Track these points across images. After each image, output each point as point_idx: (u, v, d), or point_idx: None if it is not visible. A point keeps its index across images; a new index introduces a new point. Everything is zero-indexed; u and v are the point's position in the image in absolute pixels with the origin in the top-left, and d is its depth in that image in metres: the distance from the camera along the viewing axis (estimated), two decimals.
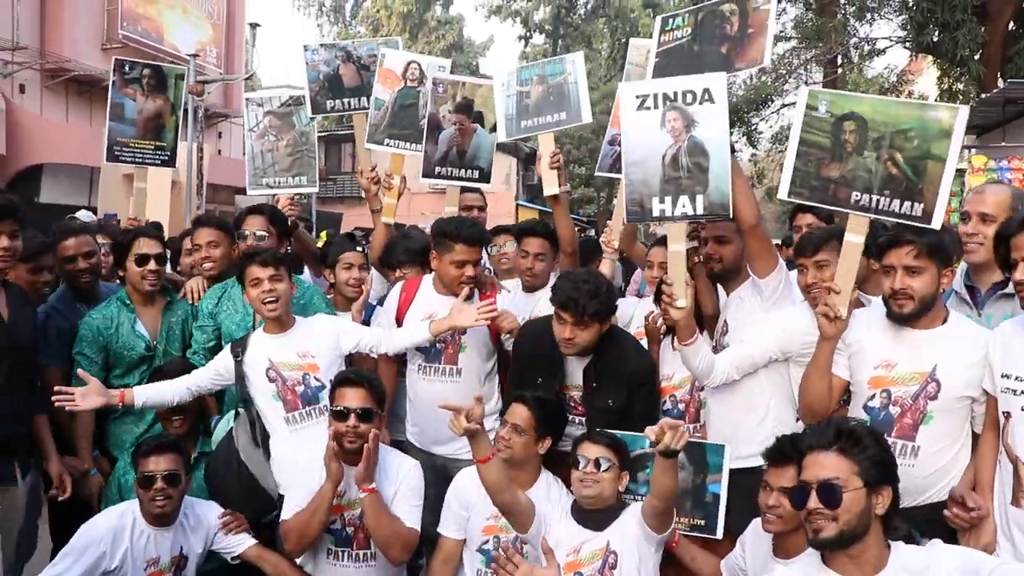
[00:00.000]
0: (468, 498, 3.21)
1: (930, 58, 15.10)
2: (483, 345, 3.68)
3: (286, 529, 3.15)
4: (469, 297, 3.55)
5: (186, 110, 13.62)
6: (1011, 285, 2.62)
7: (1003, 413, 2.53)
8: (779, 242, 5.64)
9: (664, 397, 3.49)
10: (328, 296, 4.11)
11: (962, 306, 3.10)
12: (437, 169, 4.23)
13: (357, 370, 3.35)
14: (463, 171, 4.23)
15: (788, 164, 2.92)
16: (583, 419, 3.37)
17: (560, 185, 3.91)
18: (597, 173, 4.66)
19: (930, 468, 2.71)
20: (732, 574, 2.97)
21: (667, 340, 3.51)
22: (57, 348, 3.54)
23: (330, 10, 41.55)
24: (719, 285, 3.46)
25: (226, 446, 3.45)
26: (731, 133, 3.21)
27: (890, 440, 2.70)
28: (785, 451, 2.61)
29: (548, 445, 3.16)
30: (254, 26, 21.08)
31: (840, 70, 16.09)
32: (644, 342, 3.60)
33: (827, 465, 2.19)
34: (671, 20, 3.58)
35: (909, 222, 2.74)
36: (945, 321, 2.77)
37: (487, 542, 3.21)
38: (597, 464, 2.93)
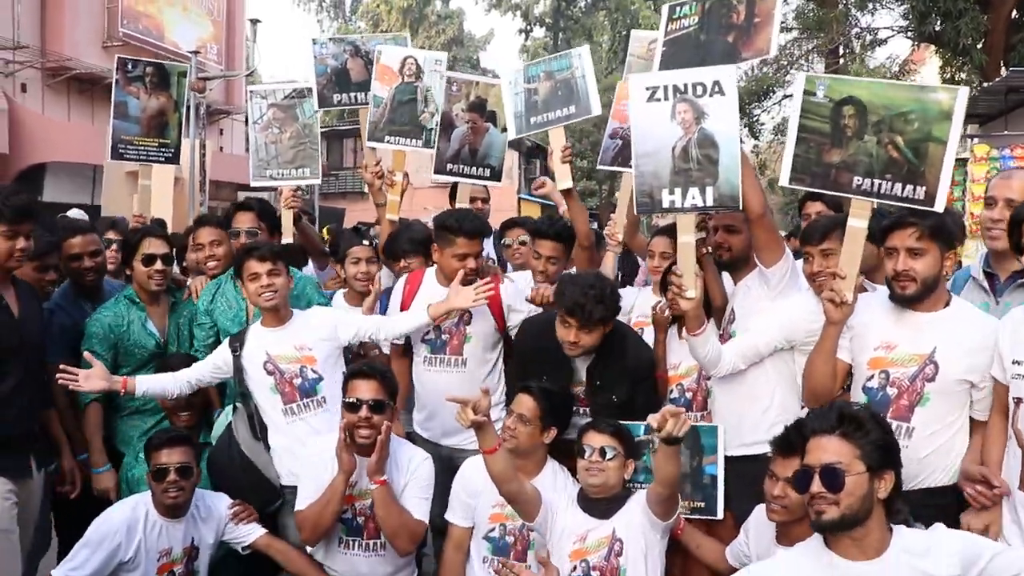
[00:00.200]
0: (475, 486, 3.24)
1: (932, 48, 15.08)
2: (488, 335, 3.71)
3: (300, 519, 3.20)
4: (470, 283, 3.57)
5: (188, 107, 13.65)
6: None
7: (1013, 399, 2.53)
8: (785, 233, 5.64)
9: (671, 386, 3.50)
10: (343, 290, 4.13)
11: (979, 292, 3.11)
12: (449, 166, 4.26)
13: (370, 363, 3.38)
14: (474, 169, 4.26)
15: (788, 150, 2.92)
16: (587, 409, 3.40)
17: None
18: (599, 166, 4.68)
19: (924, 451, 2.72)
20: (737, 560, 3.00)
21: (673, 329, 3.52)
22: (60, 345, 3.55)
23: (330, 5, 41.50)
24: (727, 274, 3.47)
25: (227, 439, 3.49)
26: None
27: (887, 420, 2.74)
28: (792, 441, 2.61)
29: (554, 435, 3.19)
30: (254, 22, 21.10)
31: (842, 60, 16.08)
32: (649, 331, 3.61)
33: (830, 449, 2.22)
34: (678, 8, 3.57)
35: (912, 205, 2.74)
36: (947, 304, 2.78)
37: (493, 530, 3.24)
38: (602, 453, 2.95)
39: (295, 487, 3.33)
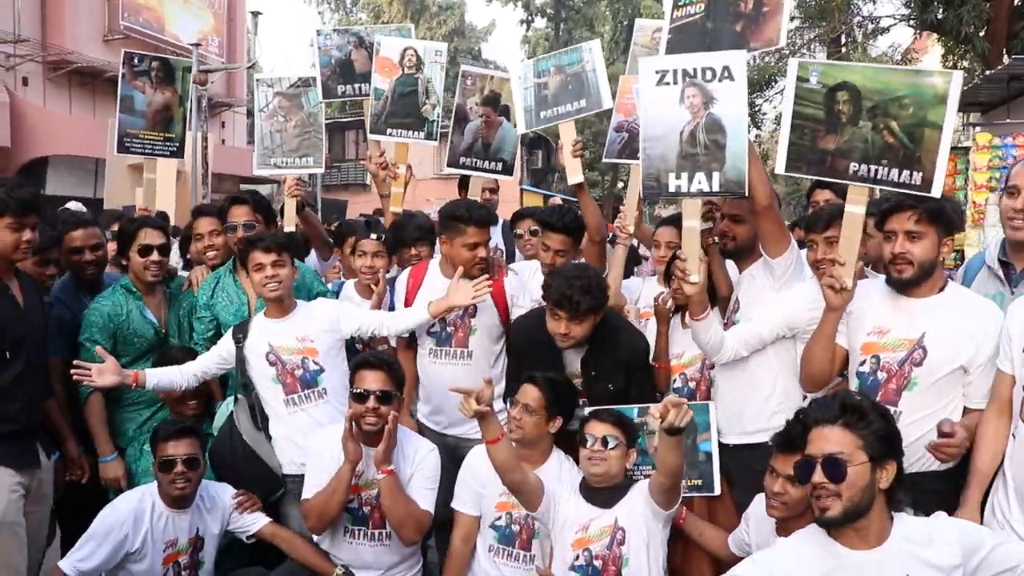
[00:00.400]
0: (481, 475, 3.26)
1: (934, 36, 15.02)
2: (493, 327, 3.72)
3: (307, 508, 3.23)
4: (484, 274, 3.59)
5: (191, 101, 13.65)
6: None
7: None
8: (789, 223, 5.63)
9: (674, 375, 3.52)
10: (354, 280, 4.14)
11: (994, 281, 3.09)
12: (462, 159, 4.28)
13: (377, 353, 3.40)
14: (487, 163, 4.28)
15: (783, 138, 2.91)
16: (585, 400, 3.42)
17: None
18: (605, 159, 4.68)
19: (913, 435, 2.69)
20: (739, 548, 3.02)
21: (676, 319, 3.54)
22: (59, 338, 3.55)
23: None
24: (732, 263, 3.48)
25: (228, 430, 3.51)
26: None
27: None
28: (793, 438, 2.59)
29: (559, 425, 3.20)
30: (255, 14, 21.07)
31: (844, 49, 16.01)
32: (652, 322, 3.63)
33: (832, 439, 2.21)
34: None
35: (909, 191, 2.73)
36: (942, 290, 2.78)
37: (500, 518, 3.26)
38: (604, 442, 2.96)
39: (296, 476, 3.36)
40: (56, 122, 15.69)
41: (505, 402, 3.60)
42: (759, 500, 2.88)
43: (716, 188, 2.98)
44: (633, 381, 3.36)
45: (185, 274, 4.23)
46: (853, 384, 2.88)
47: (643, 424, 3.26)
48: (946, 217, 2.74)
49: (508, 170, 4.32)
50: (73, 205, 7.38)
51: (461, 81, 4.27)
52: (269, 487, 3.49)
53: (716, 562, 3.18)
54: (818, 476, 2.19)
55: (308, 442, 3.38)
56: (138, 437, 3.64)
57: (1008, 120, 9.86)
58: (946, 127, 2.66)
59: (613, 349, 3.36)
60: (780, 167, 2.93)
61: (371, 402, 3.15)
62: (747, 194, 2.99)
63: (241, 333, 3.52)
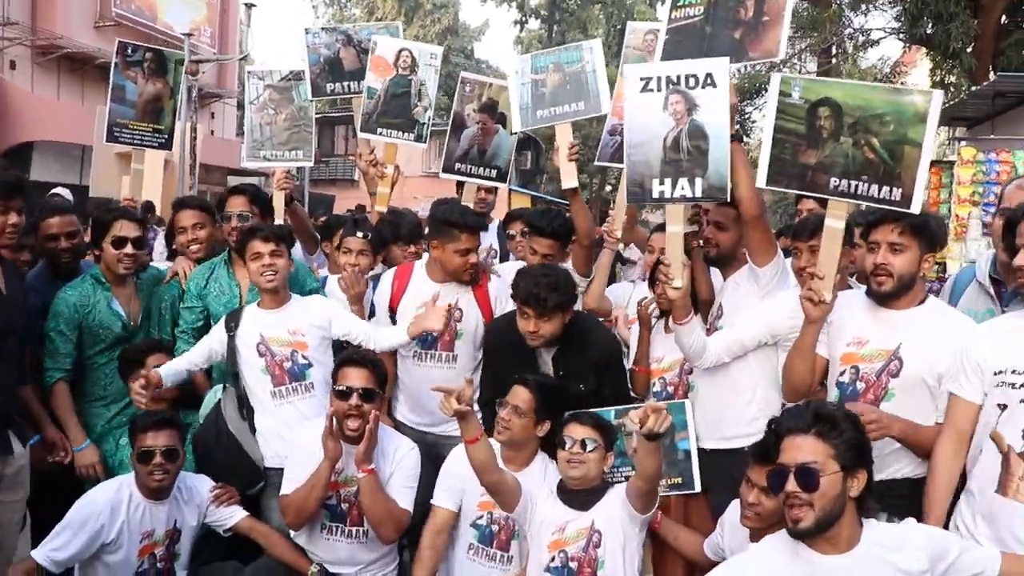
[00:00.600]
0: (463, 473, 3.26)
1: (923, 50, 15.16)
2: (478, 331, 3.74)
3: (285, 504, 3.23)
4: (474, 279, 3.63)
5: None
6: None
7: (998, 405, 2.50)
8: (775, 231, 5.66)
9: (654, 379, 3.56)
10: (339, 276, 4.14)
11: (984, 298, 3.12)
12: (457, 165, 4.31)
13: (361, 351, 3.41)
14: (482, 169, 4.31)
15: (765, 152, 2.94)
16: None
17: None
18: (597, 162, 4.70)
19: (890, 446, 2.73)
20: (714, 553, 3.04)
21: (659, 324, 3.57)
22: (31, 326, 3.48)
23: None
24: (717, 269, 3.51)
25: (214, 419, 3.51)
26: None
27: None
28: (770, 449, 2.58)
29: (547, 429, 3.20)
30: (249, 6, 20.95)
31: (834, 60, 16.13)
32: (636, 327, 3.65)
33: (804, 448, 2.24)
34: None
35: (889, 207, 2.75)
36: (922, 303, 2.81)
37: (481, 517, 3.27)
38: (583, 445, 2.98)
39: (279, 470, 3.35)
40: (43, 107, 15.54)
41: (482, 405, 3.62)
42: (734, 507, 2.90)
43: (699, 194, 3.02)
44: (606, 382, 3.38)
45: (168, 264, 4.21)
46: (832, 394, 2.90)
47: (621, 426, 3.28)
48: (929, 232, 2.77)
49: (503, 177, 4.35)
50: (61, 192, 7.33)
51: (460, 88, 4.31)
52: (250, 479, 3.49)
53: (691, 566, 3.20)
54: (791, 485, 2.22)
55: (292, 435, 3.38)
56: (111, 432, 3.61)
57: (993, 136, 9.95)
58: (926, 145, 2.70)
59: (583, 350, 3.39)
60: (761, 181, 2.96)
61: (354, 399, 3.15)
62: (729, 200, 3.03)
63: (233, 322, 3.53)
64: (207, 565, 3.44)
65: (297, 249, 4.88)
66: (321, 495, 3.18)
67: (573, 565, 2.97)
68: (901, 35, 14.49)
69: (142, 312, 3.80)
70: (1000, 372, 2.52)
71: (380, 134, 4.35)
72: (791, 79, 2.93)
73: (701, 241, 3.42)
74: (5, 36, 15.42)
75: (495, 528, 3.25)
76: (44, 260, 3.86)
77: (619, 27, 32.46)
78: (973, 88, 10.76)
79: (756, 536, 2.75)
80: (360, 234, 3.96)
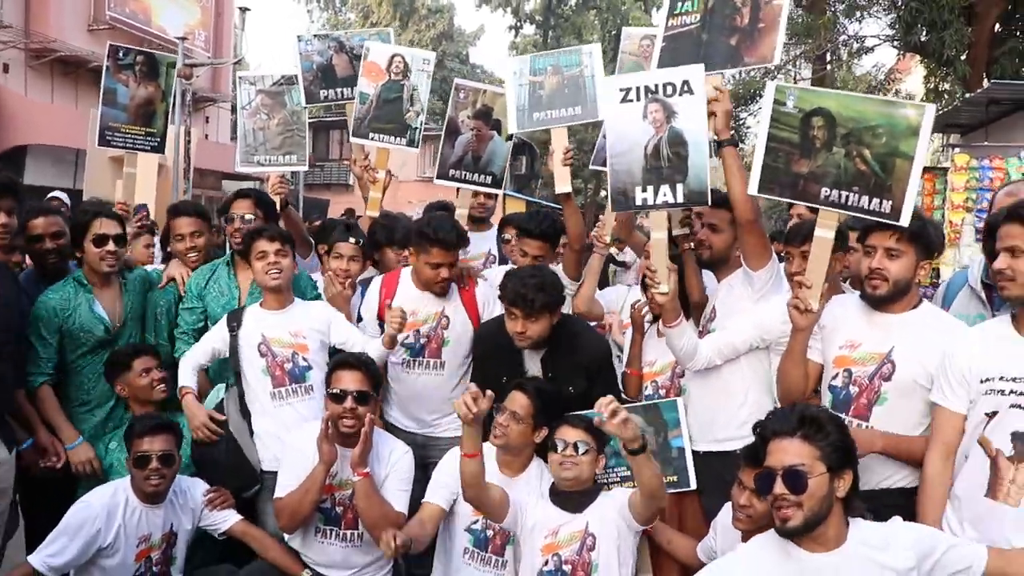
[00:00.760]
0: (457, 475, 3.24)
1: (918, 57, 15.22)
2: (466, 337, 3.75)
3: (279, 507, 3.23)
4: (445, 292, 3.65)
5: (174, 95, 13.58)
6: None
7: (986, 414, 2.51)
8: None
9: (646, 383, 3.57)
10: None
11: (976, 302, 3.14)
12: (451, 172, 4.32)
13: (355, 354, 3.41)
14: (476, 175, 4.32)
15: (757, 159, 2.96)
16: None
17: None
18: (591, 166, 4.71)
19: (879, 455, 2.74)
20: (707, 556, 3.04)
21: (651, 328, 3.57)
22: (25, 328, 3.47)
23: None
24: (711, 273, 3.52)
25: (215, 418, 3.51)
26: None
27: (847, 419, 2.78)
28: (760, 452, 2.61)
29: (544, 435, 3.18)
30: (243, 10, 20.96)
31: (829, 67, 16.19)
32: (630, 330, 3.65)
33: (791, 451, 2.27)
34: (680, 3, 3.54)
35: (878, 219, 2.77)
36: (916, 308, 2.82)
37: (476, 522, 3.26)
38: (576, 448, 2.98)
39: (276, 473, 3.34)
40: (37, 111, 15.51)
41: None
42: (727, 510, 2.92)
43: (680, 199, 3.09)
44: (597, 384, 3.37)
45: (162, 267, 4.20)
46: (826, 398, 2.91)
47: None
48: (926, 239, 2.78)
49: (498, 183, 4.37)
50: (59, 195, 7.30)
51: (454, 94, 4.33)
52: (246, 481, 3.50)
53: (685, 569, 3.20)
54: (779, 488, 2.24)
55: (288, 438, 3.37)
56: (100, 436, 3.58)
57: (986, 143, 10.01)
58: (917, 158, 2.72)
59: (572, 352, 3.40)
60: (753, 188, 2.98)
61: (348, 402, 3.15)
62: (709, 204, 3.10)
63: (236, 321, 3.55)
64: (202, 568, 3.44)
65: None
66: (315, 499, 3.18)
67: (567, 568, 2.97)
68: (895, 42, 14.54)
69: (134, 314, 3.77)
70: (988, 380, 2.52)
71: (372, 139, 4.35)
72: (786, 88, 2.95)
73: (692, 244, 3.44)
74: None
75: (490, 533, 3.25)
76: (33, 263, 3.84)
77: (614, 33, 32.55)
78: (967, 95, 10.81)
79: (748, 539, 2.76)
80: (352, 240, 3.96)
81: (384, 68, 4.33)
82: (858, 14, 15.11)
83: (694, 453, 3.33)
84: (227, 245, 4.25)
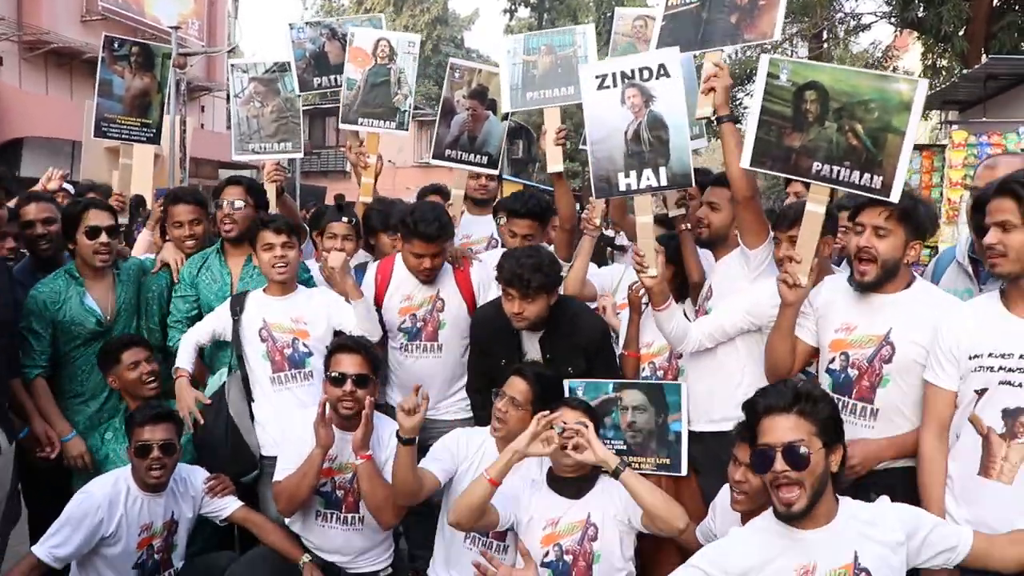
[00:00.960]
0: (459, 455, 3.24)
1: (915, 34, 15.14)
2: (462, 319, 3.76)
3: (277, 490, 3.24)
4: (429, 280, 3.66)
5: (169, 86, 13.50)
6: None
7: (976, 391, 2.51)
8: None
9: (643, 364, 3.57)
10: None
11: (963, 277, 3.13)
12: (447, 152, 4.29)
13: (354, 337, 3.42)
14: (472, 156, 4.29)
15: (750, 133, 2.94)
16: None
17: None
18: (581, 147, 4.68)
19: (892, 431, 2.75)
20: (706, 539, 3.03)
21: (648, 309, 3.57)
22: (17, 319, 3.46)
23: None
24: (709, 252, 3.52)
25: (217, 403, 3.54)
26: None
27: (851, 402, 2.79)
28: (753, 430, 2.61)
29: None
30: None
31: (825, 45, 16.12)
32: (626, 311, 3.66)
33: (788, 427, 2.26)
34: None
35: (868, 194, 2.75)
36: (908, 286, 2.79)
37: None
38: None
39: (275, 458, 3.36)
40: (32, 103, 15.46)
41: (472, 392, 3.62)
42: (725, 491, 2.92)
43: (664, 183, 3.11)
44: (596, 366, 3.40)
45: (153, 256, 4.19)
46: (824, 381, 2.90)
47: (617, 399, 3.31)
48: (916, 219, 2.75)
49: (493, 164, 4.34)
50: (67, 187, 7.28)
51: (449, 74, 4.29)
52: (246, 466, 3.53)
53: (684, 553, 3.20)
54: (780, 464, 2.23)
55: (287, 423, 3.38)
56: (96, 427, 3.59)
57: (984, 119, 9.97)
58: (908, 134, 2.70)
59: (571, 334, 3.40)
60: (745, 162, 2.97)
61: (348, 385, 3.17)
62: (693, 185, 3.12)
63: (238, 305, 3.57)
64: (202, 555, 3.46)
65: None
66: (313, 483, 3.20)
67: (568, 558, 2.96)
68: (892, 19, 14.47)
69: (128, 306, 3.77)
70: (976, 356, 2.51)
71: (361, 124, 4.34)
72: (780, 61, 2.93)
73: (688, 224, 3.43)
74: None
75: None
76: (28, 253, 3.85)
77: (609, 15, 32.24)
78: (965, 71, 10.76)
79: (747, 521, 2.77)
80: (345, 219, 3.95)
81: (370, 53, 4.30)
82: None
83: (691, 433, 3.34)
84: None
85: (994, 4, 13.17)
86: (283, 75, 4.56)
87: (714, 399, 3.27)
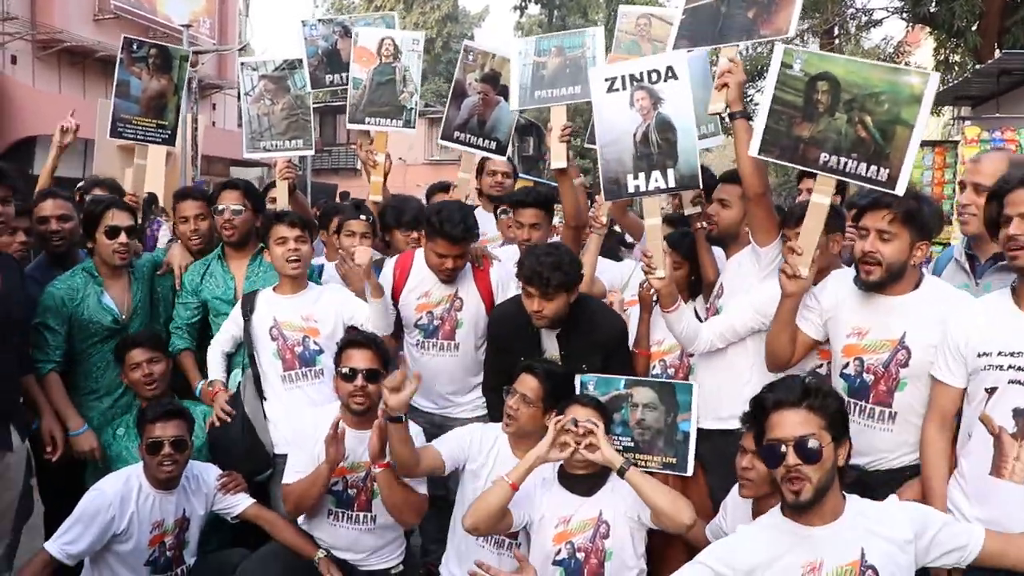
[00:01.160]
0: (474, 451, 3.25)
1: (927, 29, 15.03)
2: (479, 318, 3.76)
3: (286, 492, 3.26)
4: (450, 280, 3.67)
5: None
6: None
7: (986, 390, 2.50)
8: None
9: (654, 362, 3.58)
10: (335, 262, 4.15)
11: (960, 273, 3.12)
12: (456, 134, 4.31)
13: (364, 332, 3.42)
14: (481, 140, 4.31)
15: (760, 121, 2.93)
16: None
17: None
18: (587, 144, 4.69)
19: (913, 434, 2.73)
20: (716, 536, 3.04)
21: (659, 307, 3.57)
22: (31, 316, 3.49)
23: None
24: (720, 250, 3.53)
25: (231, 401, 3.57)
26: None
27: (868, 406, 2.78)
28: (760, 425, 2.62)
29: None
30: None
31: (837, 41, 16.02)
32: (636, 309, 3.66)
33: (798, 422, 2.26)
34: None
35: (874, 186, 2.74)
36: (917, 287, 2.77)
37: None
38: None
39: (287, 456, 3.37)
40: (45, 101, 15.55)
41: (488, 391, 3.62)
42: (735, 490, 2.92)
43: (672, 184, 3.14)
44: (612, 362, 3.40)
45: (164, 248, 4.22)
46: (839, 386, 2.87)
47: (628, 396, 3.32)
48: (921, 220, 2.72)
49: (501, 150, 4.35)
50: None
51: (463, 56, 4.32)
52: (260, 465, 3.55)
53: (693, 551, 3.20)
54: (792, 459, 2.23)
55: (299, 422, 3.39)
56: (109, 423, 3.62)
57: (998, 115, 9.88)
58: (917, 126, 2.68)
59: (590, 331, 3.40)
60: (754, 150, 2.96)
61: (359, 381, 3.17)
62: (701, 187, 3.14)
63: (249, 305, 3.59)
64: (215, 552, 3.48)
65: None
66: (320, 492, 3.21)
67: (580, 556, 2.96)
68: (904, 14, 14.35)
69: (144, 303, 3.80)
70: (985, 354, 2.50)
71: (368, 123, 4.36)
72: (794, 51, 2.91)
73: (704, 223, 3.44)
74: (5, 31, 15.41)
75: None
76: (43, 250, 3.87)
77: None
78: (978, 67, 10.67)
79: (759, 513, 2.77)
80: (363, 217, 3.97)
81: (375, 52, 4.32)
82: None
83: (699, 430, 3.34)
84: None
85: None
86: (292, 73, 4.57)
87: (722, 397, 3.27)
